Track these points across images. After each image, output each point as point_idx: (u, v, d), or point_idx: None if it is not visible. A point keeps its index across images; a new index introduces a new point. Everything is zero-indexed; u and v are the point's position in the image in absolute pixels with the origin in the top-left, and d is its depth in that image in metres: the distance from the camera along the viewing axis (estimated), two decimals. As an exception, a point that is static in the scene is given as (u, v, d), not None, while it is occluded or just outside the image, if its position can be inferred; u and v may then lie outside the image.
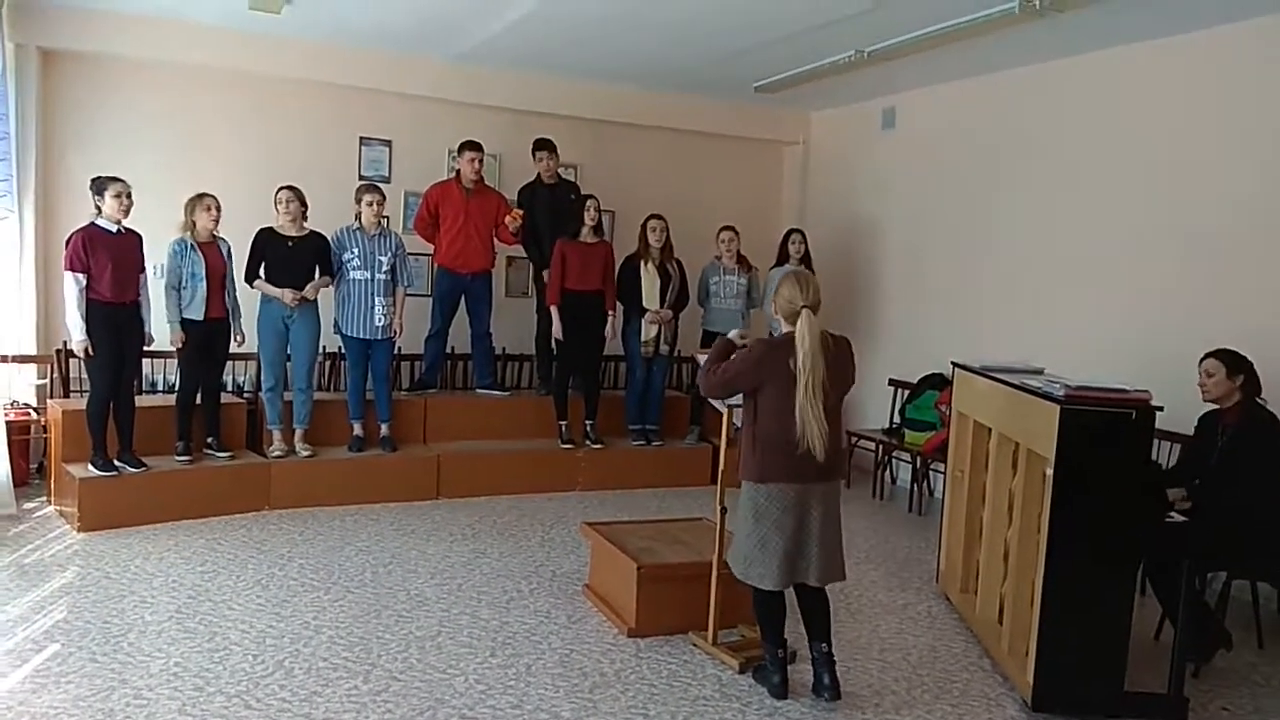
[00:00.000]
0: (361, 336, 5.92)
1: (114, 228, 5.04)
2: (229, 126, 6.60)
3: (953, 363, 4.94)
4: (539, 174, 6.86)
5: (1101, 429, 3.40)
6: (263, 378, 5.80)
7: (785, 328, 3.47)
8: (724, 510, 3.92)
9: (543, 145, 6.81)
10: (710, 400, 4.22)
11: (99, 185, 5.03)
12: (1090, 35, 5.41)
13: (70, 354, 5.30)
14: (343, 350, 6.12)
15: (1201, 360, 4.06)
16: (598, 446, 6.57)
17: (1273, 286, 4.78)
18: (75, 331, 4.98)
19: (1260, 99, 4.87)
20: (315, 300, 5.79)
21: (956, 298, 6.78)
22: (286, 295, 5.57)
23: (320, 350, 6.02)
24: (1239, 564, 3.95)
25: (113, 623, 3.90)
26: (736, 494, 3.57)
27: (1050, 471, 3.45)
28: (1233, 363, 3.97)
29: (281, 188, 5.66)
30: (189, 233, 5.32)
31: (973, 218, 6.65)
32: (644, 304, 6.51)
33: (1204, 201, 5.12)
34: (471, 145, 6.52)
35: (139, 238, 5.21)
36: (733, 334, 3.83)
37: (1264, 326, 4.62)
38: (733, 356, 3.58)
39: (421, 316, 6.63)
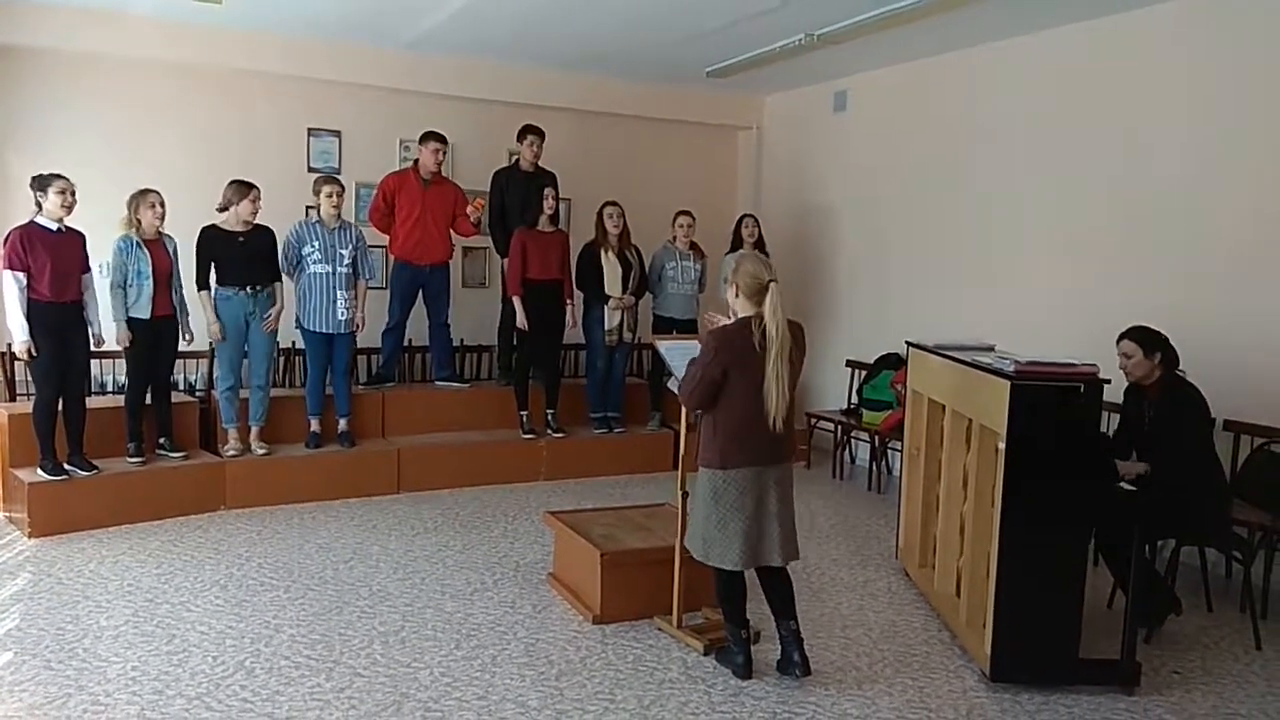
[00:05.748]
0: (324, 331, 5.84)
1: (55, 226, 4.92)
2: (174, 121, 6.46)
3: (907, 342, 5.00)
4: (518, 160, 6.81)
5: (1051, 403, 3.47)
6: (219, 377, 5.69)
7: (743, 309, 3.49)
8: (685, 495, 3.94)
9: (532, 130, 6.75)
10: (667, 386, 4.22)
11: (41, 183, 4.90)
12: (1038, 13, 5.47)
13: (14, 356, 5.17)
14: (298, 345, 6.02)
15: (1118, 341, 4.06)
16: (559, 436, 6.56)
17: (1207, 261, 4.90)
18: (17, 332, 4.86)
19: (1209, 76, 4.96)
20: (279, 299, 5.71)
21: (910, 278, 6.85)
22: (214, 328, 5.50)
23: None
24: (1186, 531, 4.05)
25: (67, 629, 3.83)
26: (696, 479, 3.59)
27: (1002, 446, 3.51)
28: (1147, 341, 3.98)
29: (252, 184, 5.53)
30: (134, 230, 5.21)
31: (924, 199, 6.72)
32: (606, 291, 6.51)
33: (1147, 179, 5.22)
34: (434, 135, 6.46)
35: (82, 237, 5.08)
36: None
37: (1191, 303, 4.76)
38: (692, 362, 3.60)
39: (378, 309, 6.57)
